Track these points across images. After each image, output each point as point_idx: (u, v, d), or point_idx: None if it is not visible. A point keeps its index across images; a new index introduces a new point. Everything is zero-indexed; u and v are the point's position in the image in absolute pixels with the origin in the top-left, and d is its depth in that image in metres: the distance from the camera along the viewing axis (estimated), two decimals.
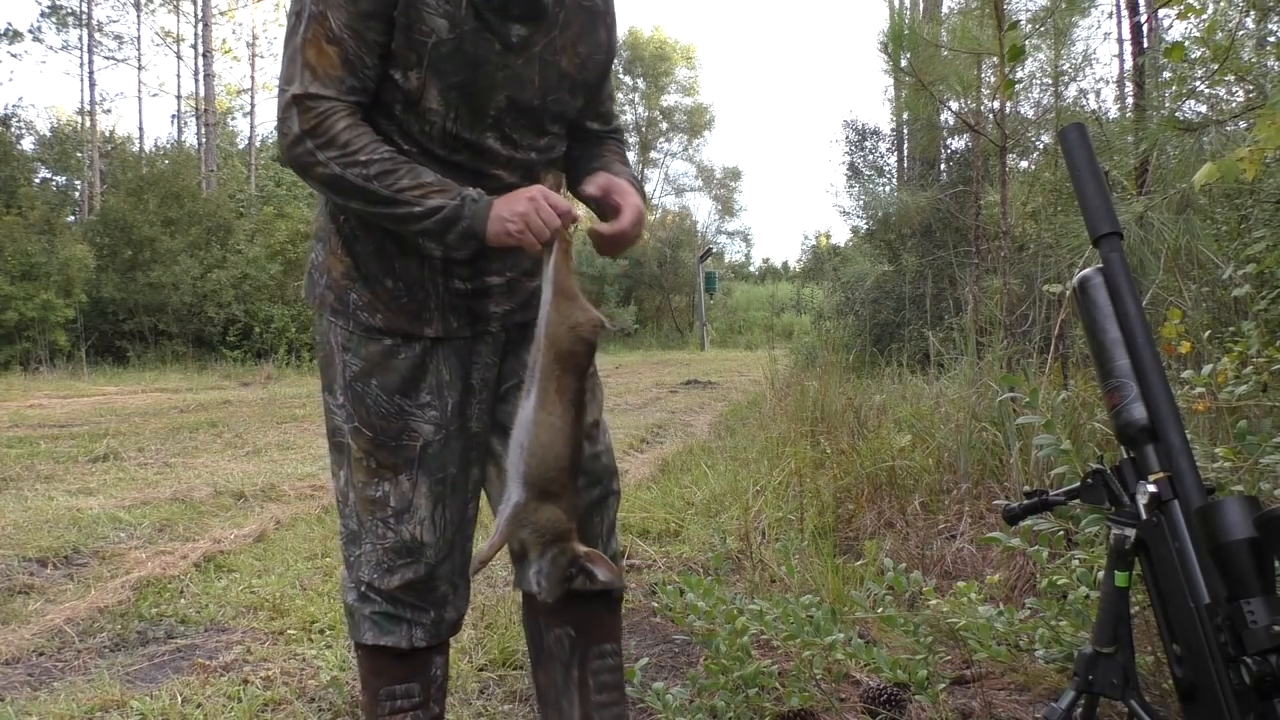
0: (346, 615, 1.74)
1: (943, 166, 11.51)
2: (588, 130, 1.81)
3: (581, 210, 1.66)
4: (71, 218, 20.17)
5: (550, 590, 1.56)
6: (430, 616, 1.70)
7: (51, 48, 46.51)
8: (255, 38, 27.87)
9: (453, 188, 1.50)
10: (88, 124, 23.66)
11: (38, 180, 19.90)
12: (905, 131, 13.20)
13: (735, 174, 40.91)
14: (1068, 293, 3.30)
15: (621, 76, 37.06)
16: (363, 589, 1.68)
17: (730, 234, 42.14)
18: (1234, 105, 4.17)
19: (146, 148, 25.22)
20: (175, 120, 31.94)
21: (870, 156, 13.68)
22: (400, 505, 1.65)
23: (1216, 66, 3.39)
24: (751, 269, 41.85)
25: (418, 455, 1.66)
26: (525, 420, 1.53)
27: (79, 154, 22.42)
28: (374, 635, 1.68)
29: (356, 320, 1.66)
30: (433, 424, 1.67)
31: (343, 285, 1.67)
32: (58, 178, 21.69)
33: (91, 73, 24.03)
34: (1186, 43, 3.47)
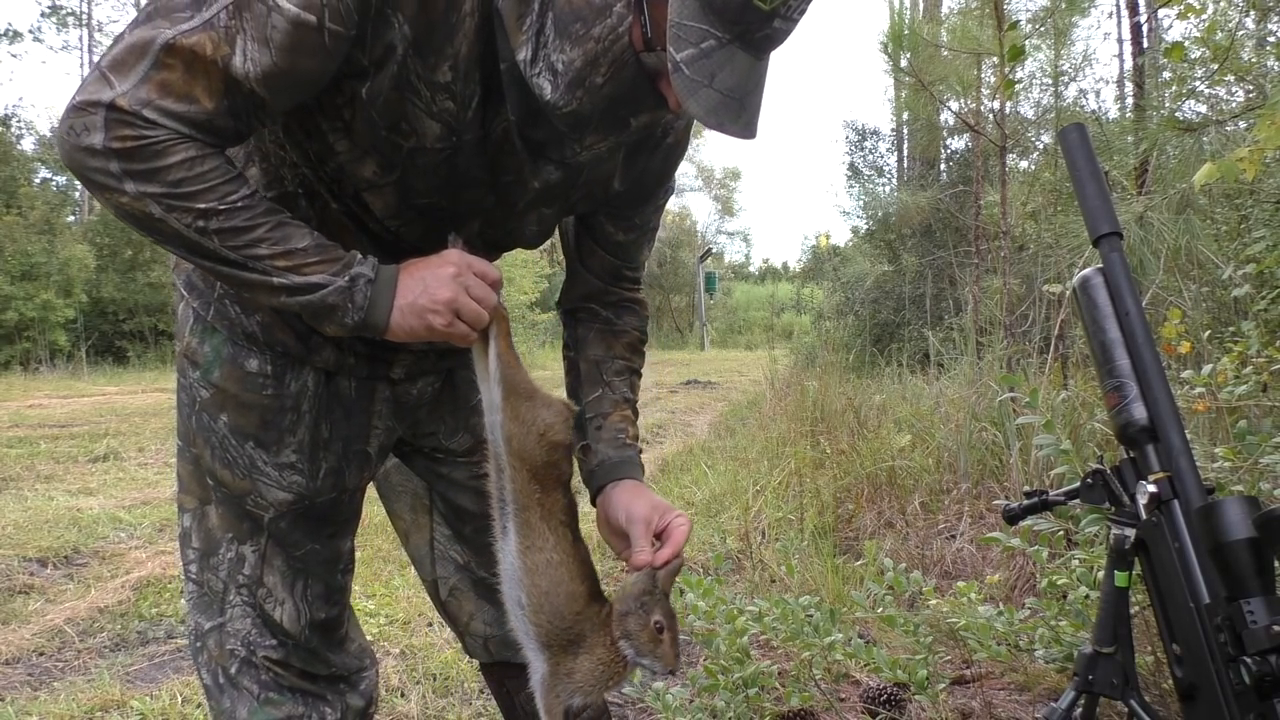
0: (211, 700, 1.33)
1: (943, 166, 11.51)
2: (596, 273, 1.37)
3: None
4: (71, 218, 20.14)
5: (671, 659, 1.19)
6: (335, 708, 1.36)
7: (51, 48, 46.65)
8: None
9: (335, 254, 1.04)
10: None
11: (38, 180, 19.86)
12: (905, 131, 13.21)
13: (735, 174, 40.90)
14: (1068, 293, 3.30)
15: None
16: (238, 663, 1.29)
17: (730, 234, 42.16)
18: (1234, 105, 4.17)
19: None
20: None
21: (870, 156, 13.68)
22: (252, 578, 1.28)
23: (1216, 66, 3.39)
24: (751, 269, 41.87)
25: (266, 527, 1.27)
26: (512, 570, 1.19)
27: None
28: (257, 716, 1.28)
29: (222, 312, 1.21)
30: (292, 493, 1.25)
31: None
32: (58, 178, 21.63)
33: None
34: (1186, 43, 3.48)
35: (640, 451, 1.37)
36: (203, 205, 0.98)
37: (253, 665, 1.29)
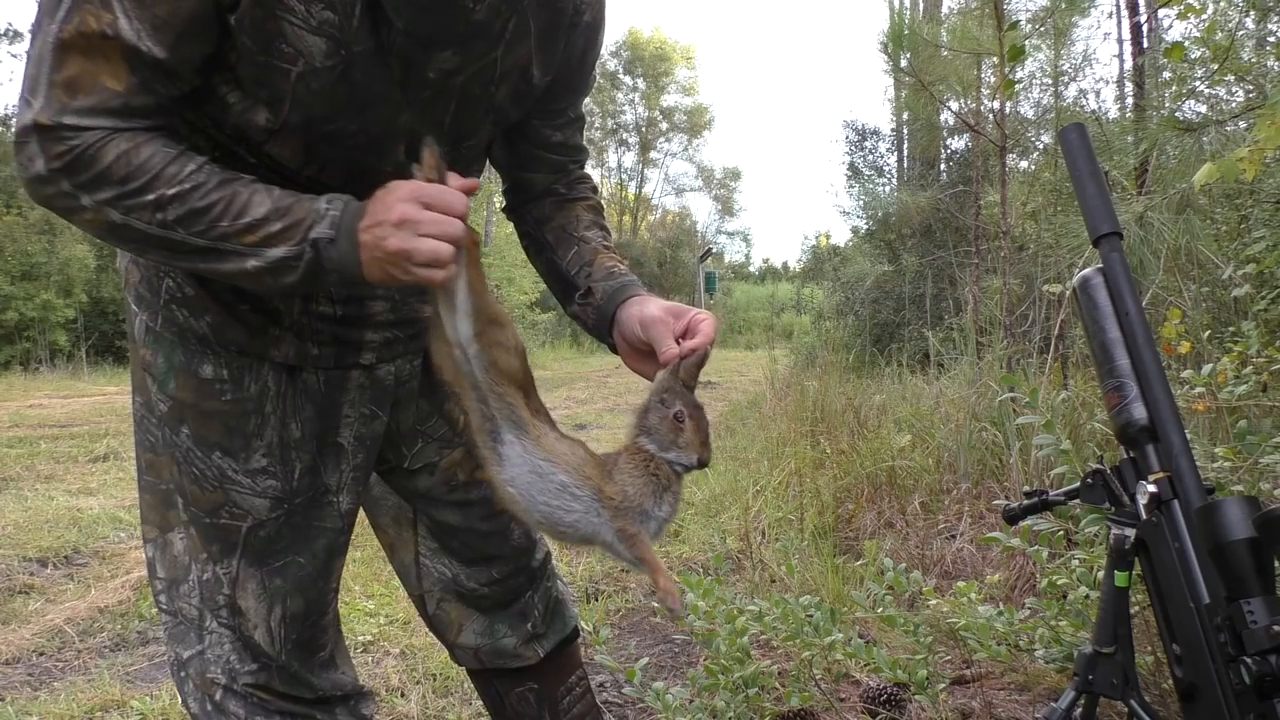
0: None
1: (943, 166, 11.51)
2: (543, 173, 1.34)
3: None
4: None
5: (697, 446, 1.14)
6: None
7: None
8: None
9: (298, 215, 1.00)
10: None
11: None
12: (905, 131, 13.22)
13: (735, 174, 40.99)
14: (1068, 293, 3.30)
15: (621, 76, 37.06)
16: (221, 690, 1.27)
17: (730, 234, 42.21)
18: (1234, 105, 4.17)
19: None
20: None
21: (870, 156, 13.70)
22: (229, 598, 1.24)
23: (1216, 66, 3.39)
24: (751, 269, 41.89)
25: (241, 540, 1.21)
26: (536, 464, 1.13)
27: None
28: None
29: (170, 319, 1.17)
30: (269, 498, 1.21)
31: (155, 265, 1.18)
32: None
33: None
34: (1186, 43, 3.47)
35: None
36: (153, 196, 0.97)
37: (235, 693, 1.27)
